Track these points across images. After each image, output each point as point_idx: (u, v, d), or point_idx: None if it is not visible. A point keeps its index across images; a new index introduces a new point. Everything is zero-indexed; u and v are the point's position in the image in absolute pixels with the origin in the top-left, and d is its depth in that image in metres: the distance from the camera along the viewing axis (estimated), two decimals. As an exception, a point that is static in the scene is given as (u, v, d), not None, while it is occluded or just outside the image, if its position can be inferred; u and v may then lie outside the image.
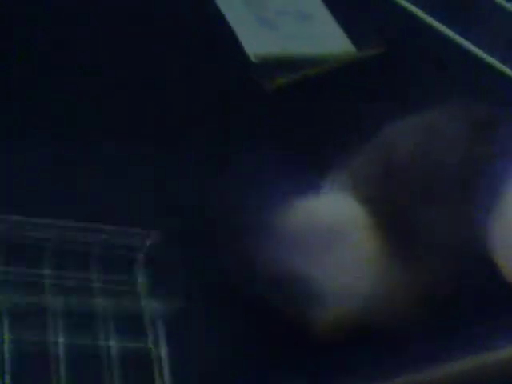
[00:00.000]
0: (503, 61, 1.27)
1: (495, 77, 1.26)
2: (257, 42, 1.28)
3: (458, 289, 0.93)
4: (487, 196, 0.94)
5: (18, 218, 0.87)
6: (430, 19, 1.37)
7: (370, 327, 0.90)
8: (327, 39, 1.34)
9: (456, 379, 0.87)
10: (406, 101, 1.23)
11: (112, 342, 0.82)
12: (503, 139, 0.96)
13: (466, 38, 1.31)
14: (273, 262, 0.90)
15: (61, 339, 0.81)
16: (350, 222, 0.92)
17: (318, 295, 0.89)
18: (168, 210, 1.00)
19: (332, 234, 0.91)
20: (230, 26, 1.25)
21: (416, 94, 1.25)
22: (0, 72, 1.11)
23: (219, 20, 1.25)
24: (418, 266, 0.93)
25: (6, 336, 0.79)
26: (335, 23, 1.36)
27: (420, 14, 1.37)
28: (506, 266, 0.91)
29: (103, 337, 0.82)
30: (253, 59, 1.25)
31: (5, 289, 0.84)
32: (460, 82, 1.24)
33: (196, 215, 1.00)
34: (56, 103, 1.11)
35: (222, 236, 0.95)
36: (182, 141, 1.10)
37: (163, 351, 0.84)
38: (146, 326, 0.85)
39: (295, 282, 0.89)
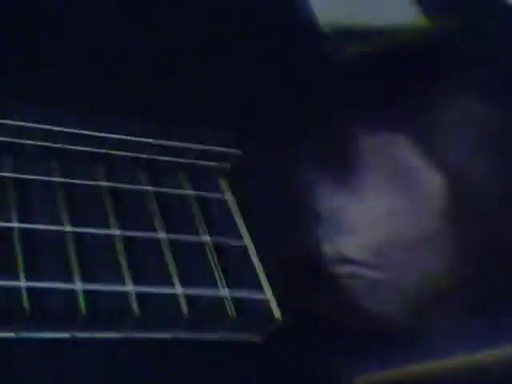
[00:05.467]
0: None
1: None
2: (328, 11, 1.28)
3: None
4: None
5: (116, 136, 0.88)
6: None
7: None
8: (400, 9, 1.33)
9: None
10: (480, 75, 1.21)
11: (207, 237, 0.87)
12: None
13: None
14: None
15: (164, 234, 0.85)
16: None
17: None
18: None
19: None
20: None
21: (490, 67, 1.23)
22: None
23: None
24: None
25: None
26: (409, -7, 1.35)
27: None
28: None
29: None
30: (323, 28, 1.24)
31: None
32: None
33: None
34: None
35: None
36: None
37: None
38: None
39: None
